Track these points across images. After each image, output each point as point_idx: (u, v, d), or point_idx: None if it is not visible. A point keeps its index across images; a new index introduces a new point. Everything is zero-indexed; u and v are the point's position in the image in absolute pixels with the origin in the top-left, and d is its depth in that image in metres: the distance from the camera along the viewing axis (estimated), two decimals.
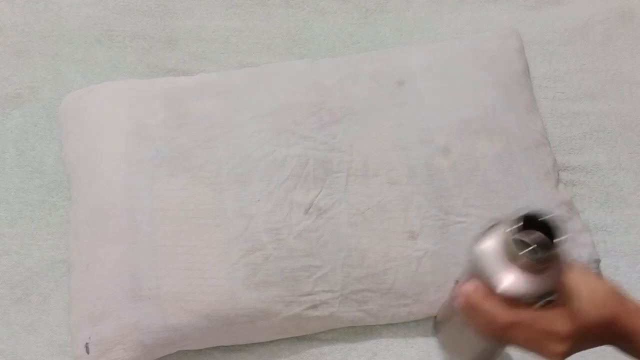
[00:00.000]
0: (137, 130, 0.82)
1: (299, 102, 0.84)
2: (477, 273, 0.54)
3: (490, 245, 0.54)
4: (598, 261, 0.79)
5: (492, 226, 0.55)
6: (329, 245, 0.76)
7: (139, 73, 0.97)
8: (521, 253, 0.51)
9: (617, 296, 0.53)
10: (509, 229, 0.52)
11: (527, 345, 0.51)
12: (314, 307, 0.75)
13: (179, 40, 1.00)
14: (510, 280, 0.52)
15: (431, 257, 0.76)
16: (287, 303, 0.75)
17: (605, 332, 0.52)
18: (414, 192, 0.79)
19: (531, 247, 0.51)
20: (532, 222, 0.52)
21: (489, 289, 0.53)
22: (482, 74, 0.87)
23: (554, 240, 0.51)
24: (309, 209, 0.78)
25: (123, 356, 0.73)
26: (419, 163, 0.80)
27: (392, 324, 0.79)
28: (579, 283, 0.53)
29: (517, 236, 0.51)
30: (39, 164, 0.90)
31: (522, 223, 0.51)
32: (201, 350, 0.77)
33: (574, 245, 0.78)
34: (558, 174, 0.84)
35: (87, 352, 0.73)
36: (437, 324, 0.71)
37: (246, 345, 0.78)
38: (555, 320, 0.51)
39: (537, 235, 0.52)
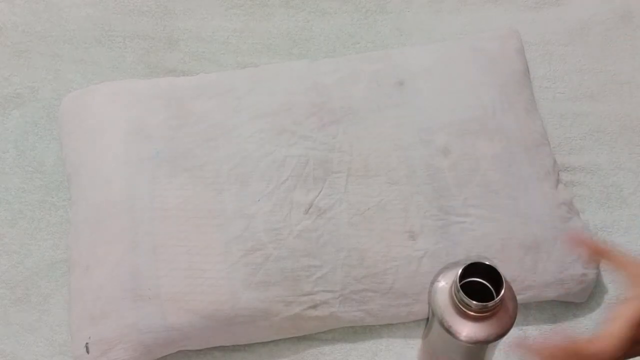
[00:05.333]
0: (137, 130, 0.82)
1: (299, 102, 0.84)
2: (434, 309, 0.59)
3: (443, 291, 0.59)
4: (598, 261, 0.79)
5: (446, 267, 0.61)
6: (329, 245, 0.76)
7: (139, 73, 0.97)
8: (466, 307, 0.56)
9: None
10: (454, 284, 0.57)
11: None
12: (314, 307, 0.75)
13: (179, 41, 1.00)
14: (464, 329, 0.57)
15: (431, 257, 0.76)
16: (287, 303, 0.75)
17: None
18: (414, 192, 0.79)
19: (474, 303, 0.56)
20: (476, 270, 0.58)
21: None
22: (482, 74, 0.87)
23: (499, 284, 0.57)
24: (309, 209, 0.78)
25: (123, 356, 0.73)
26: (419, 163, 0.80)
27: (392, 324, 0.79)
28: None
29: (459, 295, 0.56)
30: (39, 164, 0.90)
31: (460, 281, 0.56)
32: (201, 350, 0.77)
33: (575, 246, 0.78)
34: (558, 175, 0.84)
35: (87, 352, 0.73)
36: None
37: (246, 345, 0.78)
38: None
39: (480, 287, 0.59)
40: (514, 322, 0.58)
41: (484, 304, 0.55)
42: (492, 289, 0.58)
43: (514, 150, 0.82)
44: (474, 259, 0.57)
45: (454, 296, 0.57)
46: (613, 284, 0.82)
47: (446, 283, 0.59)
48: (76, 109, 0.87)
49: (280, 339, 0.78)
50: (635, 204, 0.87)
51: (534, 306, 0.80)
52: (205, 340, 0.76)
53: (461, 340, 0.57)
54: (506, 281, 0.56)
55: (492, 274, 0.57)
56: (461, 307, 0.56)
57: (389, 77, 0.86)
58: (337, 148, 0.81)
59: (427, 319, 0.66)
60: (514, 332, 0.78)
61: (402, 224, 0.78)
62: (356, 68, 0.88)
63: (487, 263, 0.57)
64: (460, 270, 0.56)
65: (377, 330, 0.79)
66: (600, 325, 0.52)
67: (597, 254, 0.59)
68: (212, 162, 0.80)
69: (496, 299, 0.55)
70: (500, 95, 0.85)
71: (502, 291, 0.55)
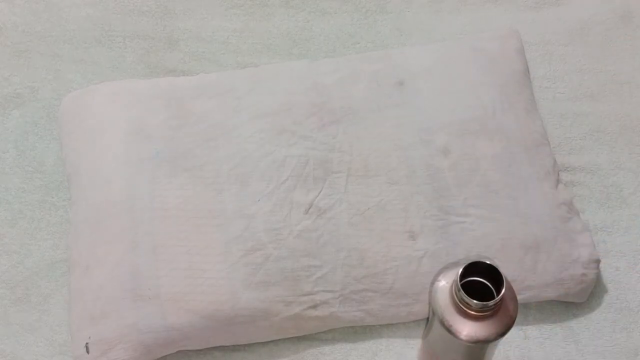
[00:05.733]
0: (137, 130, 0.82)
1: (299, 102, 0.84)
2: (435, 308, 0.59)
3: (444, 290, 0.59)
4: (598, 261, 0.79)
5: (446, 267, 0.62)
6: (329, 245, 0.76)
7: (139, 73, 0.97)
8: (466, 306, 0.56)
9: None
10: (455, 283, 0.57)
11: None
12: (314, 307, 0.75)
13: (179, 41, 1.00)
14: (465, 328, 0.58)
15: (431, 257, 0.76)
16: (287, 303, 0.75)
17: None
18: (414, 192, 0.79)
19: (474, 302, 0.56)
20: (476, 269, 0.57)
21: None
22: (482, 74, 0.87)
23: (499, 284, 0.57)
24: (309, 209, 0.78)
25: (123, 356, 0.73)
26: (419, 163, 0.80)
27: (392, 324, 0.79)
28: None
29: (460, 294, 0.56)
30: (39, 164, 0.90)
31: (461, 280, 0.56)
32: (201, 350, 0.77)
33: (574, 246, 0.78)
34: (558, 174, 0.84)
35: (87, 351, 0.73)
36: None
37: (246, 345, 0.78)
38: None
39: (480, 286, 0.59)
40: (514, 321, 0.58)
41: (485, 303, 0.56)
42: (492, 288, 0.58)
43: (514, 150, 0.82)
44: (474, 258, 0.57)
45: (455, 295, 0.57)
46: (613, 283, 0.82)
47: (447, 282, 0.59)
48: (76, 109, 0.87)
49: (280, 339, 0.78)
50: (635, 204, 0.87)
51: (534, 306, 0.80)
52: (205, 340, 0.76)
53: (462, 340, 0.57)
54: (507, 280, 0.56)
55: (492, 274, 0.57)
56: (462, 306, 0.57)
57: (389, 77, 0.86)
58: (337, 148, 0.81)
59: (427, 318, 0.66)
60: (514, 332, 0.78)
61: (402, 224, 0.78)
62: (356, 68, 0.88)
63: (487, 262, 0.57)
64: (461, 270, 0.56)
65: (377, 330, 0.79)
66: None
67: None
68: (212, 162, 0.80)
69: (497, 298, 0.55)
70: (500, 95, 0.85)
71: (503, 290, 0.55)
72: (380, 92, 0.85)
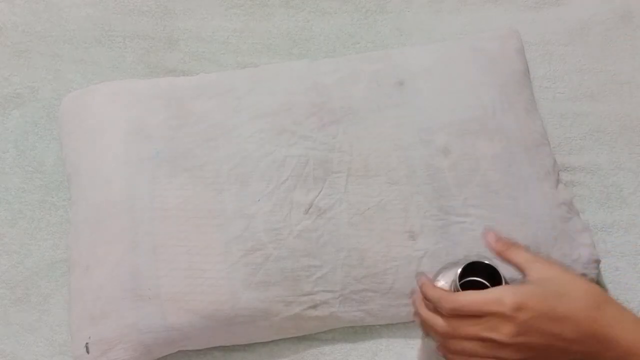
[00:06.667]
0: (137, 130, 0.82)
1: (299, 102, 0.84)
2: None
3: (443, 287, 0.60)
4: (598, 261, 0.79)
5: (445, 267, 0.62)
6: (329, 245, 0.76)
7: (139, 73, 0.97)
8: None
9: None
10: (454, 283, 0.58)
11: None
12: (314, 307, 0.75)
13: (179, 41, 1.00)
14: None
15: (431, 257, 0.76)
16: (287, 303, 0.75)
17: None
18: (413, 192, 0.79)
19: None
20: (475, 269, 0.58)
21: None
22: (482, 74, 0.87)
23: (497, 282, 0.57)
24: (309, 209, 0.78)
25: (123, 356, 0.73)
26: (419, 163, 0.80)
27: (392, 324, 0.79)
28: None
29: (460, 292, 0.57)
30: (39, 164, 0.90)
31: (460, 280, 0.57)
32: (201, 350, 0.77)
33: (574, 246, 0.78)
34: (558, 174, 0.84)
35: (87, 351, 0.73)
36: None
37: (246, 345, 0.78)
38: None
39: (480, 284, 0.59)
40: None
41: None
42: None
43: (514, 150, 0.82)
44: (473, 258, 0.57)
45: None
46: (613, 284, 0.82)
47: (446, 282, 0.59)
48: (76, 109, 0.87)
49: (280, 339, 0.78)
50: (635, 204, 0.87)
51: None
52: (205, 340, 0.76)
53: None
54: (506, 280, 0.56)
55: (491, 273, 0.57)
56: None
57: (389, 77, 0.86)
58: (337, 148, 0.81)
59: None
60: None
61: (402, 224, 0.78)
62: (356, 68, 0.88)
63: (486, 262, 0.57)
64: (460, 270, 0.56)
65: (377, 330, 0.79)
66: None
67: (502, 248, 0.59)
68: (212, 162, 0.80)
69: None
70: (500, 95, 0.85)
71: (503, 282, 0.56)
72: (380, 92, 0.85)
